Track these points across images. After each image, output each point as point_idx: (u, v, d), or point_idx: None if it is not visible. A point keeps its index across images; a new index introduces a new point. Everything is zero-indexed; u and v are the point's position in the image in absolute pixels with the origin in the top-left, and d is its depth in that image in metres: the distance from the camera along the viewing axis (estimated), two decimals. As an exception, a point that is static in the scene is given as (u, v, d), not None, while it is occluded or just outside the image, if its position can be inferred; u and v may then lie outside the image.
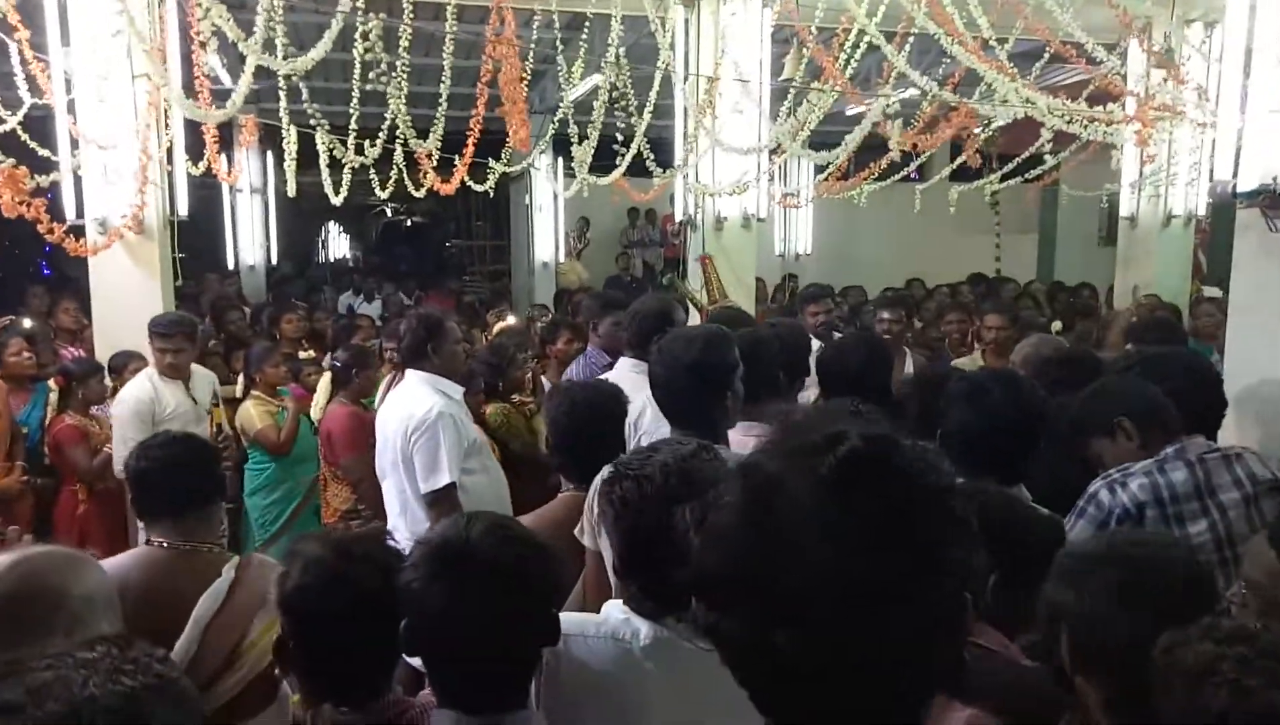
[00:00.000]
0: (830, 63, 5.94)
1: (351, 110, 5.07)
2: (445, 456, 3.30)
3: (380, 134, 5.43)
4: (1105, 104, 5.49)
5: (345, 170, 5.22)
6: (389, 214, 17.22)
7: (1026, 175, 8.34)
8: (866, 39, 5.53)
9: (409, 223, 17.86)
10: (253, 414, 4.86)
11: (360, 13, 4.71)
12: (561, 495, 2.65)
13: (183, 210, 5.52)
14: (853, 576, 0.76)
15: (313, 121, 5.39)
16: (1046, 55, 6.44)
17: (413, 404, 3.40)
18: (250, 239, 10.85)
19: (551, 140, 7.59)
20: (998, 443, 2.30)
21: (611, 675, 1.52)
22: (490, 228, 15.34)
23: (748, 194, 6.83)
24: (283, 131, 4.96)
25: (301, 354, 6.23)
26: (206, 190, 8.86)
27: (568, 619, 1.53)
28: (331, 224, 18.10)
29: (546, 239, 11.77)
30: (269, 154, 11.09)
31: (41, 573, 1.54)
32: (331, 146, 5.01)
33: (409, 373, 3.56)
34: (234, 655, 2.12)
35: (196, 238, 8.36)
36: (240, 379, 5.21)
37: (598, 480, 2.28)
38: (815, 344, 5.13)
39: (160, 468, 2.32)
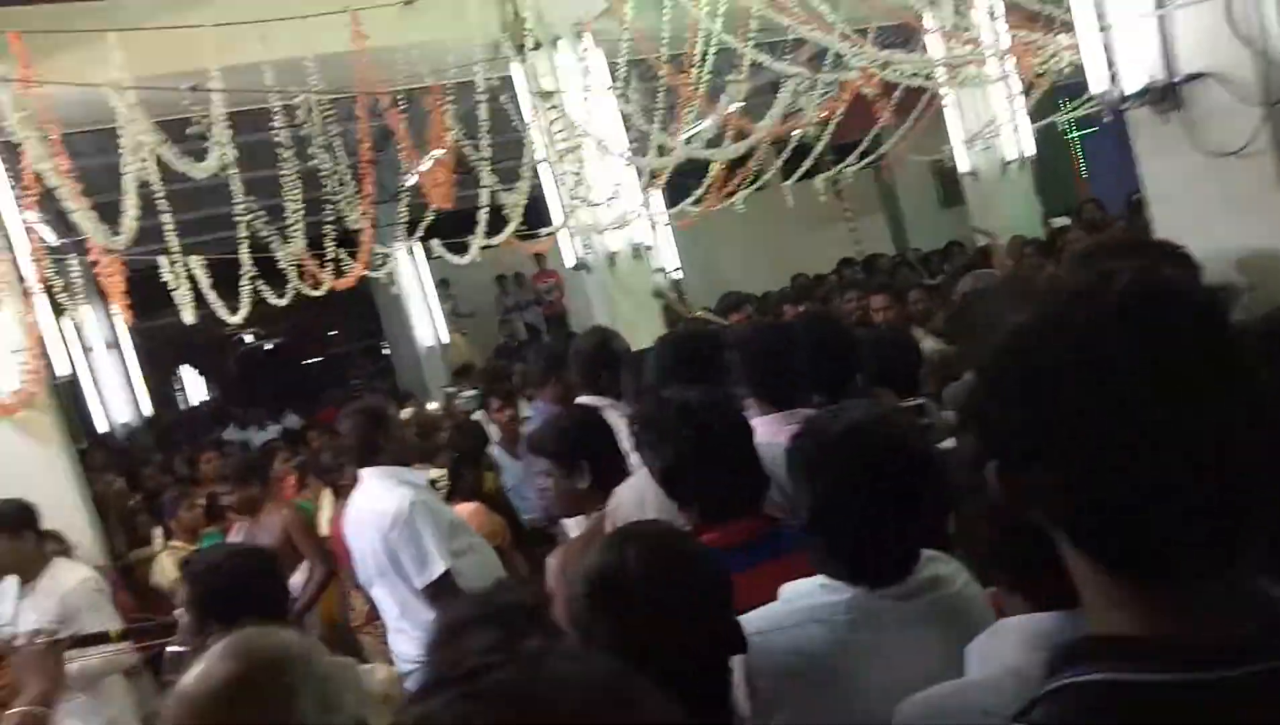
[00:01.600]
0: (685, 77, 6.10)
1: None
2: (431, 545, 3.18)
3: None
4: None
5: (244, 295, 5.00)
6: (244, 342, 16.46)
7: (872, 157, 8.78)
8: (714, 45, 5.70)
9: (267, 347, 17.13)
10: (166, 567, 4.47)
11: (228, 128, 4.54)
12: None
13: (63, 369, 5.10)
14: (1165, 398, 0.75)
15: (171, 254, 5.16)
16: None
17: (381, 502, 3.27)
18: (116, 396, 10.15)
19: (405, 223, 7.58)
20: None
21: (818, 658, 1.43)
22: (356, 330, 14.92)
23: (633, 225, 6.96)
24: (165, 269, 4.72)
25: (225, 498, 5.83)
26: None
27: (755, 616, 1.45)
28: (184, 368, 17.18)
29: (424, 323, 11.54)
30: (110, 305, 10.45)
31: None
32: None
33: (364, 473, 3.40)
34: None
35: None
36: (157, 533, 4.83)
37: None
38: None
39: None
